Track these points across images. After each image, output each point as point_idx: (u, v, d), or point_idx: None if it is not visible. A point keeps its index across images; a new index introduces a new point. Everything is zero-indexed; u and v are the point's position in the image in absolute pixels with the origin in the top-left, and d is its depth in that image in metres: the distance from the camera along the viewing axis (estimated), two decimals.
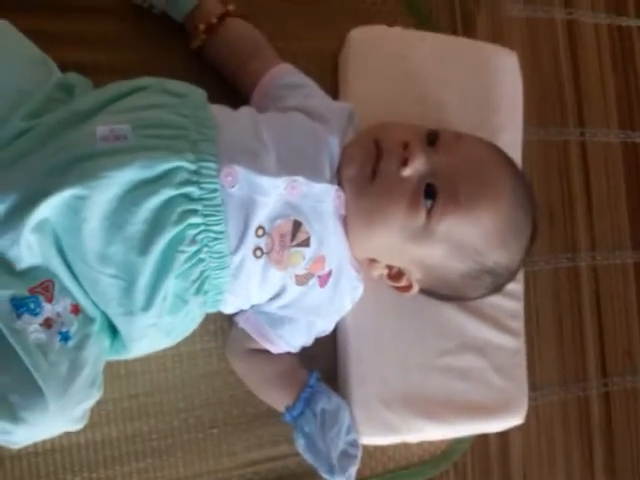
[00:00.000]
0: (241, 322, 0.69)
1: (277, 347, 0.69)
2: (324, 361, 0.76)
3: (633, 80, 1.01)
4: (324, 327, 0.71)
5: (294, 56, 0.79)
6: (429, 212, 0.63)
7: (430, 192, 0.62)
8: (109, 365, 0.63)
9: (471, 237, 0.65)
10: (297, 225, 0.62)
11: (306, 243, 0.63)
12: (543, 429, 0.90)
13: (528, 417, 0.82)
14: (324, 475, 0.68)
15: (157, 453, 0.72)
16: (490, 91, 0.85)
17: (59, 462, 0.68)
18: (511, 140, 0.85)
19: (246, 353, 0.71)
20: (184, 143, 0.58)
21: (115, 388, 0.69)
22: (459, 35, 0.90)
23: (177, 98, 0.62)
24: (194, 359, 0.74)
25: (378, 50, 0.82)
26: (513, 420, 0.82)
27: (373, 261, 0.70)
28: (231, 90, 0.74)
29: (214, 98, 0.65)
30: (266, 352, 0.70)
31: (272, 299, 0.66)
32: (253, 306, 0.68)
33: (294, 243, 0.62)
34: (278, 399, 0.71)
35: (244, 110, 0.66)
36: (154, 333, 0.60)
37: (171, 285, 0.58)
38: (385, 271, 0.70)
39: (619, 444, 0.94)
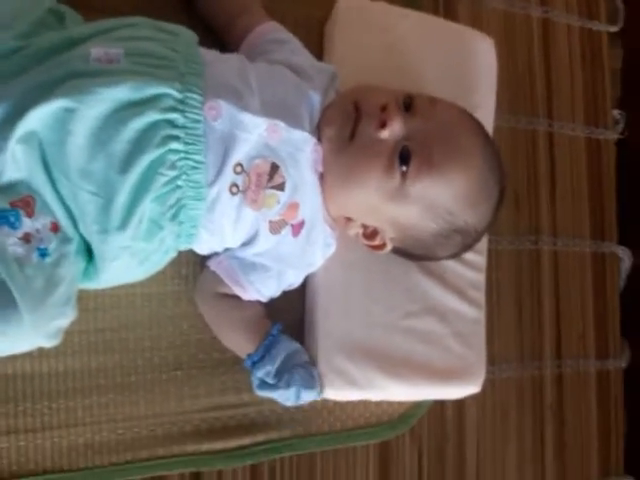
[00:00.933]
0: (213, 265, 0.71)
1: (247, 293, 0.71)
2: (290, 314, 0.78)
3: (600, 81, 1.07)
4: (294, 279, 0.73)
5: (282, 19, 0.82)
6: (404, 173, 0.65)
7: (405, 154, 0.65)
8: (79, 298, 0.63)
9: (443, 198, 0.68)
10: (274, 167, 0.64)
11: (281, 187, 0.65)
12: (498, 403, 0.93)
13: (484, 389, 0.84)
14: (281, 403, 0.71)
15: (119, 389, 0.71)
16: (467, 71, 0.89)
17: (19, 389, 0.68)
18: (483, 120, 0.88)
19: (215, 297, 0.72)
20: (173, 73, 0.60)
21: (82, 320, 0.69)
22: (440, 15, 0.94)
23: (169, 35, 0.64)
24: (163, 300, 0.74)
25: (363, 21, 0.85)
26: (470, 388, 0.84)
27: (349, 220, 0.72)
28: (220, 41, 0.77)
29: (204, 44, 0.67)
30: (235, 298, 0.71)
31: (245, 245, 0.68)
32: (227, 250, 0.70)
33: (270, 185, 0.64)
34: (241, 345, 0.72)
35: (234, 55, 0.69)
36: (127, 258, 0.61)
37: (148, 208, 0.59)
38: (360, 230, 0.73)
39: (569, 425, 0.97)
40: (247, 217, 0.65)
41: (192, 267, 0.75)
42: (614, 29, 1.09)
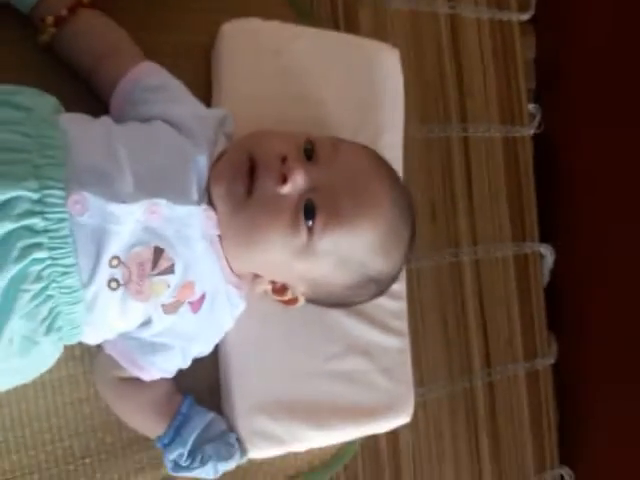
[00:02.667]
0: (108, 348, 0.64)
1: (148, 374, 0.65)
2: (205, 375, 0.73)
3: (513, 73, 1.03)
4: (202, 349, 0.68)
5: (162, 51, 0.73)
6: (310, 229, 0.60)
7: (310, 208, 0.60)
8: None
9: (354, 250, 0.63)
10: (158, 251, 0.57)
11: (170, 270, 0.58)
12: (431, 423, 0.93)
13: (416, 412, 0.83)
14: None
15: None
16: (371, 90, 0.83)
17: None
18: (392, 140, 0.84)
19: (114, 381, 0.66)
20: (25, 169, 0.52)
21: None
22: (341, 29, 0.88)
23: (21, 112, 0.55)
24: (60, 387, 0.68)
25: (253, 45, 0.77)
26: (400, 419, 0.82)
27: (256, 276, 0.67)
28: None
29: (75, 101, 0.59)
30: (137, 379, 0.66)
31: (140, 327, 0.62)
32: (120, 334, 0.64)
33: (155, 272, 0.57)
34: (150, 428, 0.68)
35: (100, 122, 0.60)
36: (2, 375, 0.55)
37: (17, 327, 0.52)
38: (269, 286, 0.68)
39: (502, 430, 0.98)
40: (134, 309, 0.58)
41: (87, 346, 0.69)
42: (526, 17, 1.04)
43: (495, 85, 1.01)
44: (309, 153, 0.62)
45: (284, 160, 0.60)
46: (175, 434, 0.66)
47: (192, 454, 0.66)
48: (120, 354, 0.64)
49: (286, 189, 0.59)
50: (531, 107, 1.05)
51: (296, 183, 0.59)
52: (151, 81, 0.65)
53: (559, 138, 1.06)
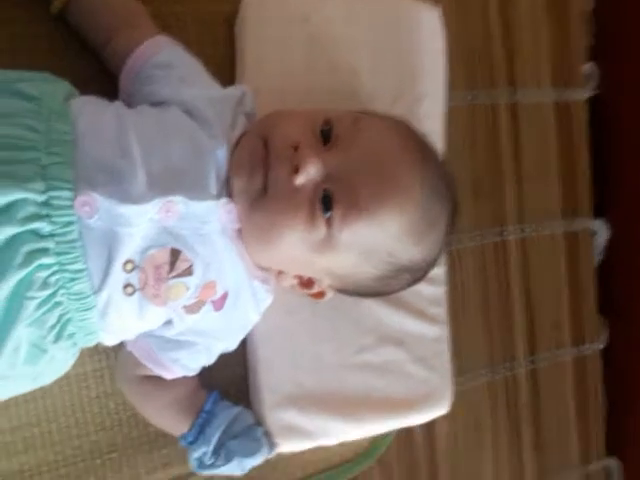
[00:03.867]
0: (129, 346, 0.61)
1: (171, 373, 0.62)
2: (231, 369, 0.70)
3: (567, 28, 0.92)
4: (227, 346, 0.64)
5: (179, 23, 0.68)
6: (328, 222, 0.55)
7: (328, 199, 0.55)
8: None
9: (379, 241, 0.58)
10: (175, 253, 0.53)
11: (188, 272, 0.54)
12: (470, 413, 0.88)
13: (454, 403, 0.79)
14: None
15: None
16: (408, 55, 0.76)
17: None
18: (432, 110, 0.78)
19: (136, 379, 0.63)
20: (31, 168, 0.48)
21: None
22: None
23: (29, 102, 0.51)
24: (85, 381, 0.66)
25: (278, 12, 0.71)
26: (437, 411, 0.78)
27: (281, 272, 0.62)
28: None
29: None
30: (160, 378, 0.62)
31: (162, 327, 0.58)
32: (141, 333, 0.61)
33: (173, 274, 0.53)
34: (175, 426, 0.65)
35: (113, 108, 0.55)
36: (13, 383, 0.52)
37: (24, 334, 0.49)
38: (295, 281, 0.63)
39: (546, 420, 0.93)
40: (153, 313, 0.55)
41: None
42: None
43: (547, 43, 0.91)
44: (327, 134, 0.57)
45: (297, 148, 0.55)
46: (199, 432, 0.64)
47: (216, 452, 0.64)
48: (142, 353, 0.61)
49: (299, 180, 0.54)
50: (587, 67, 0.94)
51: (309, 173, 0.54)
52: (162, 57, 0.60)
53: (618, 102, 0.95)
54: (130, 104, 0.58)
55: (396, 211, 0.56)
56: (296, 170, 0.54)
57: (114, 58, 0.61)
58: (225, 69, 0.69)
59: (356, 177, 0.55)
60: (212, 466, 0.64)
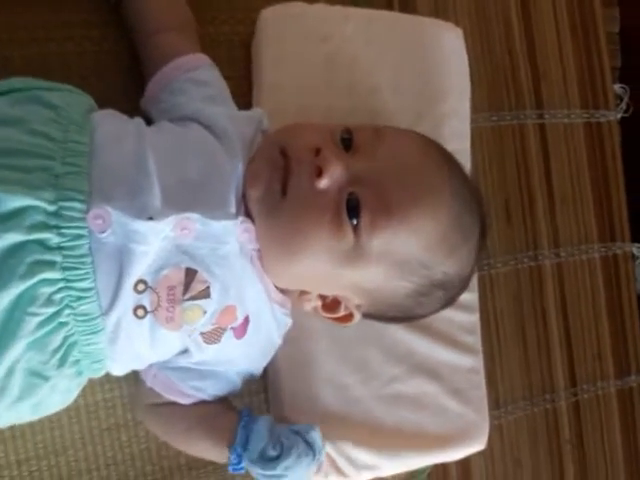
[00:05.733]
0: (149, 381, 0.58)
1: (191, 399, 0.58)
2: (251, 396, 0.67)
3: (595, 52, 0.91)
4: (252, 372, 0.61)
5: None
6: (356, 229, 0.52)
7: (354, 204, 0.51)
8: None
9: (411, 250, 0.54)
10: (191, 274, 0.50)
11: (205, 294, 0.51)
12: (508, 449, 0.82)
13: (491, 437, 0.73)
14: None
15: None
16: (431, 75, 0.74)
17: None
18: (458, 130, 0.75)
19: (156, 409, 0.59)
20: (43, 176, 0.46)
21: None
22: (395, 9, 0.78)
23: (49, 110, 0.50)
24: (95, 412, 0.63)
25: (296, 32, 0.70)
26: (473, 447, 0.73)
27: (303, 292, 0.59)
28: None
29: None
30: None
31: (178, 356, 0.55)
32: (159, 365, 0.57)
33: (188, 296, 0.50)
34: (209, 450, 0.59)
35: (133, 124, 0.54)
36: (14, 414, 0.50)
37: (23, 359, 0.46)
38: (318, 302, 0.59)
39: (591, 456, 0.86)
40: (166, 339, 0.52)
41: None
42: None
43: (574, 64, 0.89)
44: (347, 143, 0.54)
45: (318, 152, 0.52)
46: (246, 432, 0.56)
47: (275, 443, 0.56)
48: (161, 385, 0.57)
49: (323, 183, 0.51)
50: (617, 87, 0.92)
51: (333, 174, 0.51)
52: (200, 75, 0.60)
53: None
54: (149, 112, 0.58)
55: (428, 216, 0.53)
56: (319, 173, 0.51)
57: (154, 52, 0.60)
58: (241, 91, 0.68)
59: (384, 181, 0.52)
60: (278, 459, 0.54)
